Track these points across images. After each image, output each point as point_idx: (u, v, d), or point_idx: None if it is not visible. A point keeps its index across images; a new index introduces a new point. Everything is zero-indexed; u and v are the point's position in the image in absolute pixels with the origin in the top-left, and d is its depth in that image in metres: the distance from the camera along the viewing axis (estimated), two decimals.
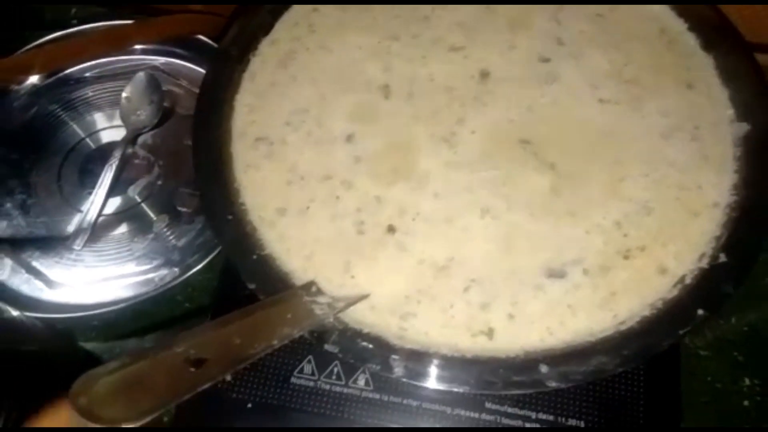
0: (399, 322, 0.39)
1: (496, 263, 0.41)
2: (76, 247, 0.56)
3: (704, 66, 0.44)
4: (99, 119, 0.64)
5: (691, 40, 0.45)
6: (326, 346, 0.37)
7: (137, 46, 0.67)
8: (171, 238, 0.58)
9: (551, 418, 0.47)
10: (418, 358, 0.37)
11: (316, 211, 0.44)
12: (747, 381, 0.52)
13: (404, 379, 0.36)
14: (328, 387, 0.49)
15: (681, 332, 0.36)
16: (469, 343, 0.39)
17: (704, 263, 0.39)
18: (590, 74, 0.45)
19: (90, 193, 0.58)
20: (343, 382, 0.48)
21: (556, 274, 0.39)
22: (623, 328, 0.37)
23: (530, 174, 0.43)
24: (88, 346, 0.56)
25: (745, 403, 0.51)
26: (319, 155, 0.44)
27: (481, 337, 0.39)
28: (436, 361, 0.37)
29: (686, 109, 0.44)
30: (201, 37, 0.64)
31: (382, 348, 0.37)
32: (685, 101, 0.44)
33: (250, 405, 0.48)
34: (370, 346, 0.38)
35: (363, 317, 0.39)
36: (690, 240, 0.40)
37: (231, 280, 0.52)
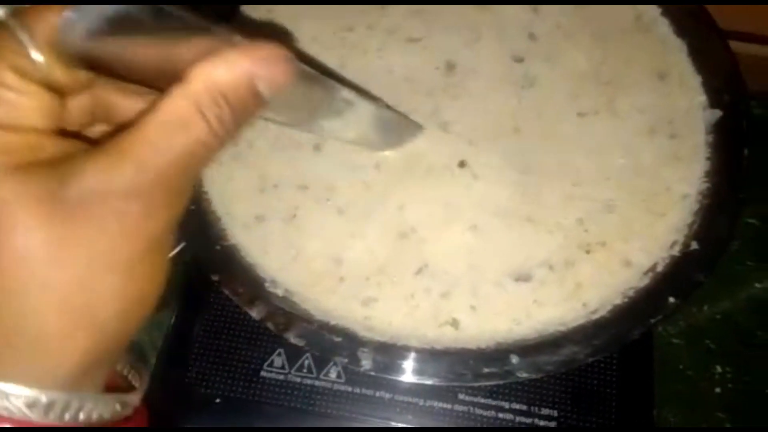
0: (363, 310, 0.38)
1: (459, 260, 0.40)
2: None
3: (677, 52, 0.44)
4: None
5: (664, 27, 0.44)
6: (292, 339, 0.36)
7: None
8: None
9: (524, 407, 0.46)
10: (386, 350, 0.36)
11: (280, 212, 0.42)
12: (719, 369, 0.53)
13: (373, 372, 0.35)
14: (298, 380, 0.48)
15: (652, 320, 0.36)
16: (437, 333, 0.38)
17: (676, 251, 0.38)
18: (569, 78, 0.44)
19: None
20: (314, 375, 0.48)
21: (522, 278, 0.39)
22: (595, 317, 0.37)
23: (500, 175, 0.42)
24: None
25: (717, 390, 0.52)
26: (287, 161, 0.43)
27: (447, 327, 0.38)
28: (405, 353, 0.36)
29: (660, 103, 0.43)
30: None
31: (350, 340, 0.36)
32: (658, 93, 0.44)
33: (218, 400, 0.48)
34: (338, 338, 0.37)
35: (327, 302, 0.38)
36: (656, 235, 0.39)
37: (199, 273, 0.51)
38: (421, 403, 0.47)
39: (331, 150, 0.43)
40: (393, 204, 0.41)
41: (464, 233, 0.40)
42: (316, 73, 0.28)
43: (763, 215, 0.58)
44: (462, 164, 0.42)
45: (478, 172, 0.42)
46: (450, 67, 0.45)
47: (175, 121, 0.21)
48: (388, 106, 0.39)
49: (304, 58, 0.37)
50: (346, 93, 0.32)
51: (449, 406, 0.47)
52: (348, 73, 0.44)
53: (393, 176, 0.42)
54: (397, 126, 0.41)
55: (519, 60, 0.45)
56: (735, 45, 0.51)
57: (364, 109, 0.35)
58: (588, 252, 0.39)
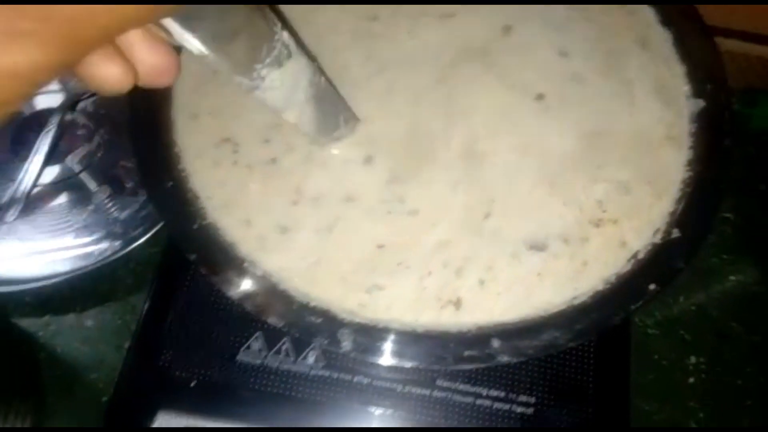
0: (362, 297, 0.38)
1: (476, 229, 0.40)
2: (8, 219, 0.53)
3: (662, 41, 0.44)
4: None
5: (650, 15, 0.45)
6: (270, 320, 0.36)
7: None
8: (112, 210, 0.55)
9: (502, 394, 0.47)
10: (367, 332, 0.36)
11: (263, 180, 0.41)
12: (693, 359, 0.53)
13: (352, 354, 0.35)
14: (276, 364, 0.47)
15: (633, 307, 0.36)
16: (434, 316, 0.38)
17: (658, 238, 0.39)
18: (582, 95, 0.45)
19: (24, 162, 0.55)
20: (292, 359, 0.47)
21: (537, 246, 0.39)
22: (576, 302, 0.37)
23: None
24: (22, 322, 0.53)
25: (691, 380, 0.52)
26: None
27: (449, 307, 0.38)
28: (385, 335, 0.36)
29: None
30: None
31: (331, 322, 0.36)
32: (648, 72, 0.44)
33: (194, 384, 0.47)
34: (318, 320, 0.36)
35: (326, 289, 0.38)
36: (651, 218, 0.39)
37: (176, 254, 0.50)
38: (400, 388, 0.47)
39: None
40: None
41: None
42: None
43: (738, 209, 0.59)
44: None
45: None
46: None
47: None
48: (324, 73, 0.38)
49: None
50: (286, 36, 0.32)
51: (427, 392, 0.47)
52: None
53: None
54: (332, 104, 0.40)
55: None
56: (716, 40, 0.52)
57: (303, 65, 0.34)
58: (598, 226, 0.40)
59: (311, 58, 0.37)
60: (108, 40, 0.23)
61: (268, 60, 0.31)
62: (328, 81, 0.38)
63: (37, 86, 0.21)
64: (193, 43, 0.27)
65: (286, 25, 0.37)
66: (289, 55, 0.33)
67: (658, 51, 0.44)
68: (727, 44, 0.59)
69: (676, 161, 0.40)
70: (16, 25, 0.19)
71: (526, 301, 0.37)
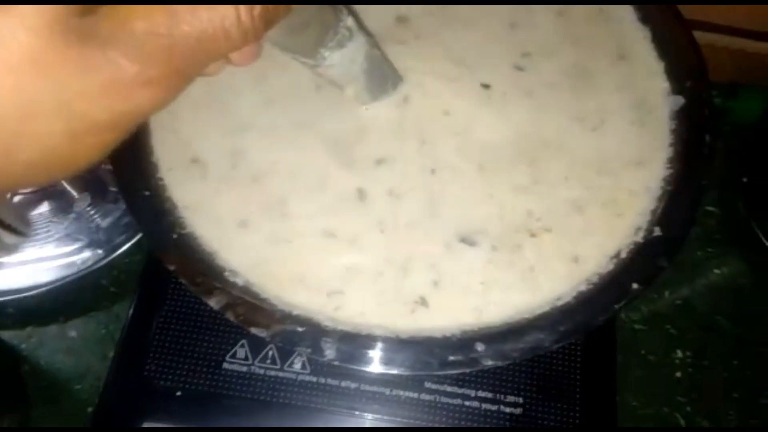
0: (328, 301, 0.37)
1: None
2: None
3: (640, 39, 0.44)
4: None
5: (628, 12, 0.44)
6: (252, 330, 0.35)
7: None
8: (95, 217, 0.55)
9: (490, 395, 0.47)
10: (350, 339, 0.35)
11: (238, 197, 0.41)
12: (679, 353, 0.53)
13: (336, 362, 0.35)
14: (262, 371, 0.47)
15: (617, 306, 0.36)
16: (408, 320, 0.37)
17: (639, 237, 0.39)
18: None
19: None
20: (278, 366, 0.47)
21: (467, 240, 0.39)
22: (560, 303, 0.37)
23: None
24: (5, 334, 0.53)
25: (678, 374, 0.53)
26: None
27: (420, 309, 0.38)
28: (369, 343, 0.36)
29: (624, 89, 0.44)
30: None
31: (314, 330, 0.36)
32: (622, 77, 0.44)
33: (179, 393, 0.46)
34: (301, 329, 0.36)
35: (294, 296, 0.38)
36: (613, 234, 0.40)
37: (159, 262, 0.50)
38: (387, 392, 0.47)
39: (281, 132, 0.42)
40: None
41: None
42: None
43: (721, 202, 0.59)
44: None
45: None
46: None
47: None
48: (378, 47, 0.40)
49: None
50: (350, 21, 0.34)
51: (416, 395, 0.46)
52: None
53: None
54: (382, 72, 0.41)
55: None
56: (696, 35, 0.52)
57: (361, 43, 0.36)
58: (534, 236, 0.40)
59: (369, 34, 0.38)
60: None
61: (331, 44, 0.34)
62: (382, 53, 0.40)
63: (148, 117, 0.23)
64: (269, 36, 0.28)
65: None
66: (351, 37, 0.34)
67: (637, 50, 0.44)
68: (708, 38, 0.59)
69: (656, 160, 0.40)
70: (145, 74, 0.21)
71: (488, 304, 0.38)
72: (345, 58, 0.35)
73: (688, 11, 0.47)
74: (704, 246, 0.58)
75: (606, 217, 0.40)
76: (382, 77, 0.41)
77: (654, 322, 0.54)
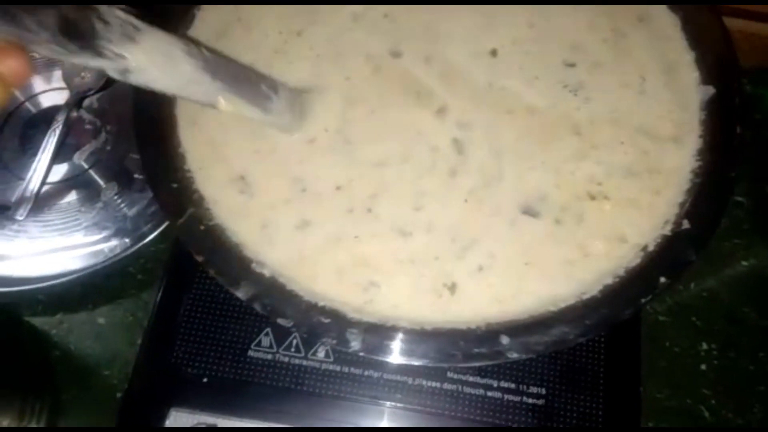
0: (361, 295, 0.38)
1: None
2: (18, 218, 0.54)
3: (672, 27, 0.43)
4: (40, 81, 0.61)
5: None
6: (280, 320, 0.36)
7: None
8: (122, 206, 0.56)
9: (513, 386, 0.47)
10: (375, 331, 0.36)
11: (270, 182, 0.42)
12: (704, 345, 0.53)
13: (361, 354, 0.35)
14: (286, 359, 0.47)
15: (643, 300, 0.36)
16: (435, 308, 0.38)
17: (667, 230, 0.38)
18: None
19: (33, 160, 0.55)
20: (302, 354, 0.47)
21: (530, 211, 0.40)
22: (586, 297, 0.37)
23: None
24: (35, 321, 0.54)
25: (702, 367, 0.52)
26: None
27: (445, 294, 0.38)
28: (394, 334, 0.36)
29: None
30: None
31: (339, 321, 0.36)
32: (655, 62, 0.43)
33: (206, 380, 0.47)
34: (326, 320, 0.36)
35: (328, 288, 0.38)
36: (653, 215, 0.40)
37: (185, 250, 0.50)
38: (410, 381, 0.47)
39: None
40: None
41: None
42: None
43: (750, 193, 0.58)
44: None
45: None
46: None
47: None
48: (212, 50, 0.40)
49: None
50: (122, 14, 0.33)
51: (438, 385, 0.47)
52: None
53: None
54: (242, 78, 0.41)
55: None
56: (725, 21, 0.51)
57: (164, 40, 0.35)
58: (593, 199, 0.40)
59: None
60: None
61: (111, 36, 0.32)
62: (213, 51, 0.39)
63: None
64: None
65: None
66: (138, 29, 0.33)
67: (666, 34, 0.43)
68: (738, 23, 0.58)
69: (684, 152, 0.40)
70: None
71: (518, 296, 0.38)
72: (155, 56, 0.34)
73: None
74: (731, 237, 0.57)
75: (649, 192, 0.40)
76: (244, 81, 0.41)
77: (679, 313, 0.54)
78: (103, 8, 0.32)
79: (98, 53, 0.32)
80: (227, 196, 0.40)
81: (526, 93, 0.44)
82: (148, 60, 0.34)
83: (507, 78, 0.45)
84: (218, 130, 0.43)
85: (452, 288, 0.38)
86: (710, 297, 0.55)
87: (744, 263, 0.56)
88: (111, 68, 0.33)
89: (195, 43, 0.37)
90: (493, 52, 0.45)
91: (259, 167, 0.42)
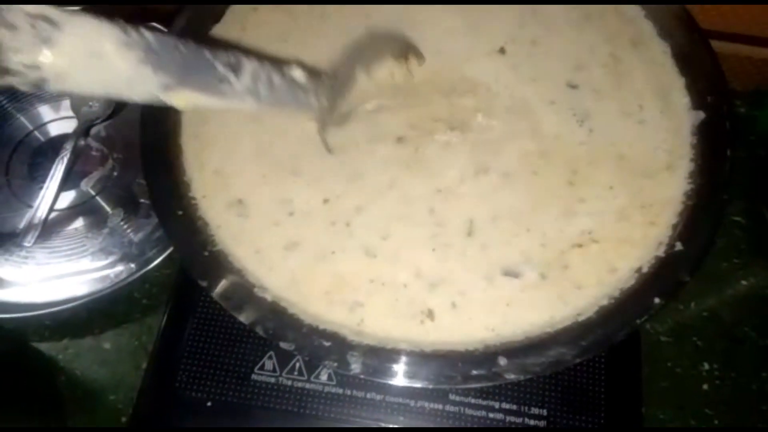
0: (350, 316, 0.38)
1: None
2: (26, 244, 0.55)
3: (661, 54, 0.44)
4: (48, 110, 0.62)
5: (649, 27, 0.45)
6: (282, 344, 0.37)
7: None
8: (128, 232, 0.56)
9: (515, 407, 0.47)
10: (375, 353, 0.36)
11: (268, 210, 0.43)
12: (706, 365, 0.53)
13: (362, 376, 0.36)
14: (290, 383, 0.48)
15: (638, 321, 0.37)
16: (419, 330, 0.39)
17: (661, 252, 0.39)
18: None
19: (40, 188, 0.56)
20: (305, 378, 0.48)
21: (511, 273, 0.40)
22: (581, 318, 0.37)
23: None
24: (41, 346, 0.54)
25: (705, 386, 0.52)
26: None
27: (426, 321, 0.39)
28: (394, 357, 0.36)
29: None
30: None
31: (340, 344, 0.37)
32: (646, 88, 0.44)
33: (209, 404, 0.48)
34: (327, 343, 0.37)
35: (318, 309, 0.39)
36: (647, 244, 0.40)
37: (186, 276, 0.51)
38: (412, 404, 0.47)
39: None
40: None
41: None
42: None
43: (747, 212, 0.58)
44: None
45: None
46: None
47: None
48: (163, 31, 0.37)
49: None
50: (32, 9, 0.27)
51: (440, 407, 0.47)
52: None
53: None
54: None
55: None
56: (719, 45, 0.52)
57: (92, 30, 0.29)
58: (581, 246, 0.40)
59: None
60: None
61: (19, 45, 0.27)
62: (161, 32, 0.34)
63: None
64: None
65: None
66: (55, 24, 0.28)
67: (659, 61, 0.44)
68: (732, 47, 0.59)
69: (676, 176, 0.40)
70: None
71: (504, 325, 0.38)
72: (75, 54, 0.29)
73: (711, 22, 0.47)
74: (730, 256, 0.57)
75: (642, 227, 0.41)
76: (204, 64, 0.36)
77: (680, 333, 0.54)
78: (6, 9, 0.27)
79: (2, 71, 0.27)
80: (228, 221, 0.41)
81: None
82: (69, 63, 0.29)
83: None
84: (224, 157, 0.44)
85: (430, 315, 0.39)
86: (710, 317, 0.55)
87: (743, 282, 0.57)
88: (21, 84, 0.28)
89: (135, 26, 0.31)
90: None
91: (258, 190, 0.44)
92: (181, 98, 0.33)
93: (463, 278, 0.40)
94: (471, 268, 0.40)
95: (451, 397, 0.47)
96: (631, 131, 0.44)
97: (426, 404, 0.47)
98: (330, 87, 0.41)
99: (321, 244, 0.41)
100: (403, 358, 0.37)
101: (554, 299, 0.39)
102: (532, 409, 0.47)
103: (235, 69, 0.36)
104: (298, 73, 0.39)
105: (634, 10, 0.46)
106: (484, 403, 0.47)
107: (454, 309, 0.39)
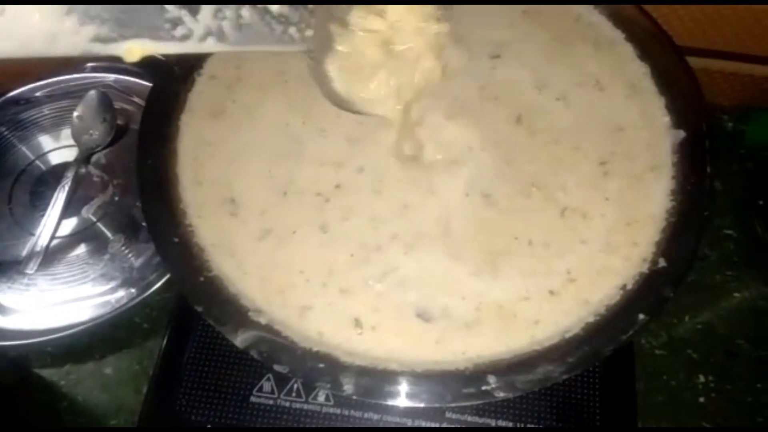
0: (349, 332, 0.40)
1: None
2: (28, 272, 0.55)
3: (641, 75, 0.45)
4: (49, 140, 0.63)
5: (628, 50, 0.46)
6: (276, 367, 0.37)
7: (88, 64, 0.66)
8: (129, 257, 0.57)
9: (510, 424, 0.47)
10: (367, 374, 0.37)
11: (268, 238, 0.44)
12: (701, 378, 0.53)
13: (355, 397, 0.36)
14: (288, 404, 0.48)
15: (623, 337, 0.37)
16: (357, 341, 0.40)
17: (645, 268, 0.40)
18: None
19: (42, 216, 0.57)
20: (303, 399, 0.48)
21: (424, 316, 0.41)
22: (569, 335, 0.38)
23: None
24: (43, 372, 0.55)
25: (700, 399, 0.53)
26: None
27: (360, 330, 0.40)
28: (386, 377, 0.37)
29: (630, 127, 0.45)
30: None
31: (332, 366, 0.37)
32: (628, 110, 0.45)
33: (209, 426, 0.48)
34: (321, 364, 0.38)
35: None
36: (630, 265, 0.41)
37: (184, 302, 0.52)
38: (410, 423, 0.47)
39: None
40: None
41: None
42: None
43: (739, 225, 0.59)
44: None
45: None
46: None
47: None
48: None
49: None
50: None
51: (437, 425, 0.47)
52: None
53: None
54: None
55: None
56: (704, 62, 0.53)
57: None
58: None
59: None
60: None
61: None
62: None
63: None
64: None
65: None
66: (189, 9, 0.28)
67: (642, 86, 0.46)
68: (717, 64, 0.60)
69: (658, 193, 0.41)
70: None
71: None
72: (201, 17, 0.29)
73: (695, 40, 0.47)
74: (723, 269, 0.58)
75: (622, 256, 0.41)
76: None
77: (675, 346, 0.54)
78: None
79: None
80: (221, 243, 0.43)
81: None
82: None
83: None
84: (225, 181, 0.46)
85: (358, 324, 0.40)
86: (705, 330, 0.55)
87: (736, 295, 0.57)
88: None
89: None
90: None
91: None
92: (125, 51, 0.30)
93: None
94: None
95: (448, 415, 0.48)
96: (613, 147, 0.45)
97: (423, 423, 0.47)
98: (313, 12, 0.37)
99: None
100: (395, 378, 0.37)
101: (529, 323, 0.40)
102: (528, 424, 0.47)
103: (191, 8, 0.32)
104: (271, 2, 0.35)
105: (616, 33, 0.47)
106: (481, 420, 0.47)
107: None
